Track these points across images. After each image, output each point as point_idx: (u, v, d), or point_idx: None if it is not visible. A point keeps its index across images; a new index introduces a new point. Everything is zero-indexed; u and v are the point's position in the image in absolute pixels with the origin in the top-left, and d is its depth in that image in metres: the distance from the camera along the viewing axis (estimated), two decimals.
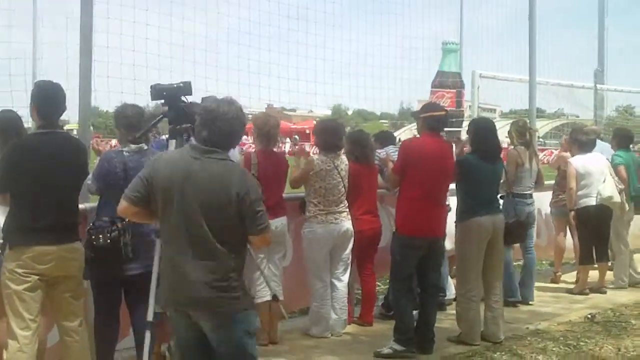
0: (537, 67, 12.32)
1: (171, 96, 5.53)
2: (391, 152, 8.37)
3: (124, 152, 6.02)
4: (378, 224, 8.22)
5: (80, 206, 6.38)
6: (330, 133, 7.94)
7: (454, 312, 7.89)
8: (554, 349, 7.46)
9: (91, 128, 7.14)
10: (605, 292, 10.17)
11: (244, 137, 6.15)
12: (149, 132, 5.84)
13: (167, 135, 6.04)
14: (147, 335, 5.08)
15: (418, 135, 7.59)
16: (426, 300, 7.41)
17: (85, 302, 6.10)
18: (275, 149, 7.80)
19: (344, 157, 7.94)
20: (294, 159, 8.23)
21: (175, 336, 4.83)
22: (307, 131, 48.96)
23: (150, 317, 4.99)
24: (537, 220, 10.79)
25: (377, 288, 8.75)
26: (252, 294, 6.50)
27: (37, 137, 5.44)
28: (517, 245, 9.18)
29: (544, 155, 24.25)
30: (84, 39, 6.81)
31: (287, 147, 42.22)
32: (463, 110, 15.15)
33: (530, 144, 9.22)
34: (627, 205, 10.30)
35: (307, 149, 8.39)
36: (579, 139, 10.06)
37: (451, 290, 8.72)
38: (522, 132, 9.18)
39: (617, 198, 9.82)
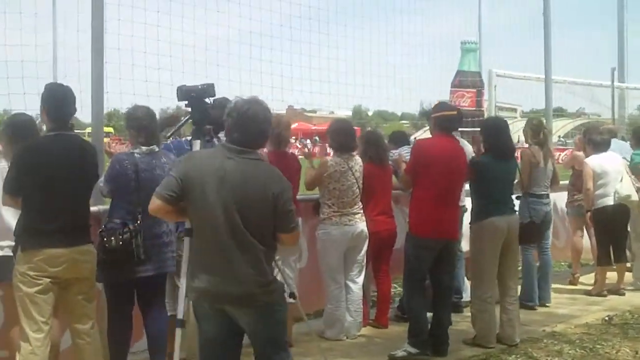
0: (559, 66, 12.21)
1: (196, 98, 5.53)
2: (405, 153, 8.34)
3: (135, 154, 6.02)
4: (393, 225, 8.18)
5: (94, 208, 6.42)
6: (343, 134, 7.91)
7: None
8: (569, 351, 7.39)
9: (111, 131, 7.15)
10: (623, 294, 10.06)
11: None
12: (177, 132, 5.81)
13: (189, 137, 6.04)
14: (178, 333, 5.07)
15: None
16: (440, 302, 7.36)
17: (98, 305, 6.14)
18: (287, 150, 7.78)
19: (358, 158, 7.91)
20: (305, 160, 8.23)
21: (201, 334, 4.82)
22: None
23: (180, 314, 4.99)
24: (555, 221, 10.72)
25: (393, 290, 8.71)
26: None
27: (47, 140, 5.45)
28: None
29: (565, 154, 24.09)
30: (95, 41, 6.86)
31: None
32: (483, 110, 15.05)
33: (545, 143, 9.13)
34: None
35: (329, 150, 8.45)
36: (593, 139, 9.97)
37: (468, 292, 8.63)
38: (537, 131, 9.10)
39: (635, 197, 9.72)
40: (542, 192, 9.05)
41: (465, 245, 8.26)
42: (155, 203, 4.59)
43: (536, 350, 7.44)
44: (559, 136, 33.50)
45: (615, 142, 10.34)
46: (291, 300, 5.34)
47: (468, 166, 7.40)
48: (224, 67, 8.62)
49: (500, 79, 14.09)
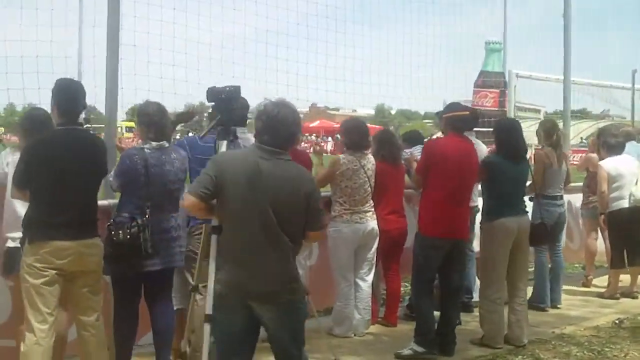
0: (581, 68, 12.15)
1: (225, 99, 5.56)
2: (417, 153, 8.35)
3: (145, 149, 6.07)
4: (404, 223, 8.19)
5: (104, 202, 6.52)
6: (356, 132, 7.93)
7: None
8: (577, 354, 7.38)
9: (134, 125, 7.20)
10: (636, 297, 10.01)
11: None
12: (210, 132, 5.82)
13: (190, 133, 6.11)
14: (207, 327, 5.08)
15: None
16: (448, 302, 7.37)
17: (105, 298, 6.21)
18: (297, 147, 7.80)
19: (370, 157, 7.93)
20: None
21: (222, 328, 4.88)
22: None
23: (209, 310, 4.99)
24: (569, 223, 10.70)
25: (403, 289, 8.72)
26: None
27: (57, 134, 5.49)
28: None
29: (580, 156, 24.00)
30: (111, 37, 6.91)
31: (329, 145, 42.22)
32: (506, 111, 15.03)
33: (558, 145, 9.10)
34: None
35: None
36: (608, 142, 9.91)
37: (478, 292, 8.66)
38: (550, 133, 9.06)
39: None
40: (556, 194, 9.04)
41: (477, 245, 8.27)
42: (189, 199, 4.69)
43: (543, 351, 7.44)
44: (582, 138, 33.23)
45: (631, 145, 10.27)
46: None
47: (480, 166, 7.40)
48: (239, 65, 8.63)
49: (522, 80, 14.09)
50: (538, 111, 27.76)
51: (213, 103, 5.57)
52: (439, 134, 7.79)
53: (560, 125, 10.73)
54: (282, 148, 4.76)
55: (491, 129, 8.38)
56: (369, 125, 8.48)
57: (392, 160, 8.10)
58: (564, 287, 9.89)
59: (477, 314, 7.93)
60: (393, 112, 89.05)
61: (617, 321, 8.68)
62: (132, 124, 34.79)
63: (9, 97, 7.22)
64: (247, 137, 6.62)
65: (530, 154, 9.78)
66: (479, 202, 8.09)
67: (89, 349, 5.63)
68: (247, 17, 8.82)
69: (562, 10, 12.24)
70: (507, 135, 7.61)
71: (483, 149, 8.55)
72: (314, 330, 7.29)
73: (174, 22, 7.71)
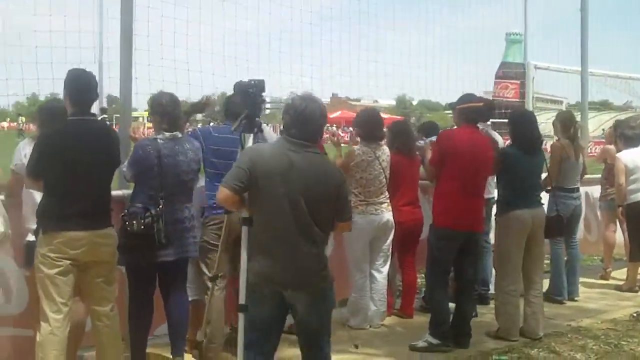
0: (600, 59, 12.06)
1: (253, 93, 5.59)
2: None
3: (158, 140, 6.09)
4: (419, 215, 8.16)
5: (118, 193, 6.57)
6: (371, 123, 7.91)
7: None
8: (593, 347, 7.34)
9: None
10: None
11: None
12: (241, 125, 5.83)
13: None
14: (241, 317, 5.11)
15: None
16: (463, 294, 7.35)
17: (121, 288, 6.25)
18: None
19: (385, 148, 7.91)
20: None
21: (252, 316, 4.96)
22: None
23: (242, 300, 5.05)
24: (587, 215, 10.65)
25: (419, 280, 8.70)
26: None
27: (70, 124, 5.50)
28: None
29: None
30: (124, 28, 6.93)
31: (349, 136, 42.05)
32: (524, 102, 14.95)
33: (576, 137, 9.04)
34: None
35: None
36: (625, 133, 9.82)
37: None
38: (567, 125, 8.99)
39: None
40: (573, 187, 8.99)
41: (493, 237, 8.22)
42: (224, 192, 4.77)
43: (559, 344, 7.40)
44: (603, 129, 33.05)
45: None
46: None
47: (494, 158, 7.36)
48: (253, 56, 8.67)
49: (543, 72, 14.00)
50: (560, 102, 27.59)
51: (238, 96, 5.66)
52: None
53: (579, 117, 10.69)
54: (310, 141, 4.86)
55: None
56: (390, 116, 8.51)
57: (406, 151, 8.07)
58: (582, 279, 9.85)
59: (494, 306, 7.88)
60: (414, 103, 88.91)
61: (634, 314, 8.61)
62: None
63: (39, 87, 7.31)
64: (266, 129, 6.66)
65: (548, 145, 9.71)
66: (496, 193, 8.06)
67: (103, 339, 5.66)
68: (261, 11, 8.83)
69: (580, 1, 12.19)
70: (522, 126, 7.58)
71: (499, 141, 8.51)
72: (333, 321, 7.34)
73: (187, 18, 7.72)
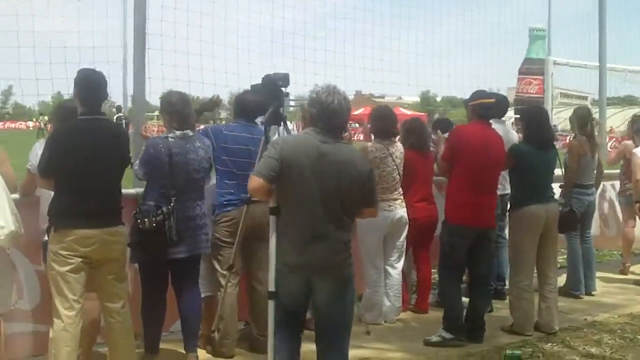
0: (625, 55, 11.98)
1: (280, 86, 5.74)
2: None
3: (169, 138, 6.15)
4: (434, 211, 8.16)
5: (132, 191, 6.65)
6: (384, 120, 7.93)
7: None
8: (609, 341, 7.33)
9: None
10: None
11: None
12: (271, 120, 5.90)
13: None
14: (271, 304, 5.16)
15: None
16: (476, 290, 7.39)
17: (135, 286, 6.34)
18: None
19: (399, 144, 7.92)
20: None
21: (283, 300, 5.03)
22: None
23: (271, 287, 5.09)
24: (606, 210, 10.62)
25: (434, 276, 8.71)
26: None
27: (80, 123, 5.56)
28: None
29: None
30: (138, 27, 7.00)
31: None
32: (543, 98, 14.90)
33: (592, 134, 9.01)
34: None
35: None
36: None
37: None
38: (584, 122, 8.96)
39: None
40: (588, 183, 8.98)
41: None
42: (257, 181, 4.83)
43: (574, 339, 7.40)
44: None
45: None
46: None
47: (507, 154, 7.36)
48: (267, 54, 8.72)
49: (564, 68, 13.95)
50: (585, 98, 27.46)
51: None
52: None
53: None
54: (336, 134, 4.98)
55: None
56: (413, 112, 8.55)
57: (420, 148, 8.09)
58: (601, 274, 9.85)
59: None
60: (438, 99, 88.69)
61: None
62: None
63: (68, 86, 7.39)
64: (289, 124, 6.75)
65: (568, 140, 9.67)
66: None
67: (115, 336, 5.72)
68: (278, 8, 8.88)
69: None
70: (535, 123, 7.56)
71: (514, 137, 8.50)
72: None
73: (201, 12, 7.78)
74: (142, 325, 6.26)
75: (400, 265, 7.96)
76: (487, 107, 7.24)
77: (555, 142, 7.92)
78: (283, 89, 5.71)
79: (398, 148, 7.86)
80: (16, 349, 6.31)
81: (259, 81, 6.54)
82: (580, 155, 8.81)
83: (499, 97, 8.35)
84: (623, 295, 9.40)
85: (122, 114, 26.00)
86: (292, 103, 6.74)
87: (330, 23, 9.79)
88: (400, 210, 7.78)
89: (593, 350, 7.08)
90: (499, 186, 7.67)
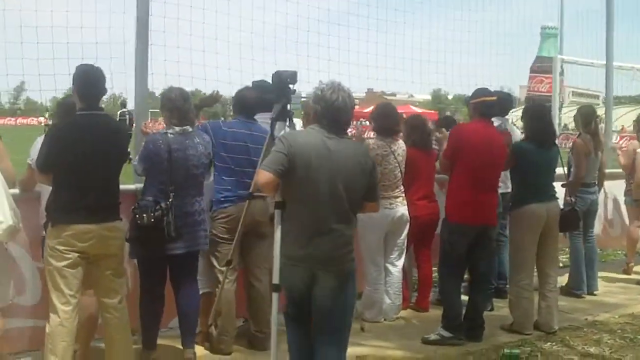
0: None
1: (289, 83, 5.73)
2: None
3: (169, 134, 6.15)
4: (435, 209, 8.14)
5: (131, 187, 6.67)
6: (386, 117, 7.91)
7: None
8: (608, 341, 7.31)
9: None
10: None
11: None
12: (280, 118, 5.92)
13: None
14: (275, 297, 5.27)
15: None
16: (476, 288, 7.38)
17: (134, 281, 6.35)
18: None
19: (401, 142, 7.91)
20: None
21: (292, 292, 5.12)
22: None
23: (275, 280, 5.19)
24: (611, 209, 10.58)
25: (435, 274, 8.71)
26: None
27: (79, 118, 5.57)
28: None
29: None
30: (140, 23, 7.02)
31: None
32: (562, 96, 14.84)
33: (596, 132, 8.98)
34: None
35: None
36: None
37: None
38: (588, 120, 8.94)
39: None
40: (591, 182, 8.96)
41: None
42: (266, 176, 4.86)
43: (574, 338, 7.37)
44: None
45: None
46: None
47: (508, 152, 7.34)
48: (269, 50, 8.73)
49: (577, 66, 13.90)
50: (596, 97, 27.33)
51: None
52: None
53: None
54: (341, 130, 5.05)
55: None
56: (424, 110, 8.54)
57: (422, 145, 8.08)
58: (604, 274, 9.83)
59: None
60: (450, 97, 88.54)
61: None
62: None
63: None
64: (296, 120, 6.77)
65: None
66: None
67: (112, 331, 5.73)
68: (281, 4, 8.88)
69: None
70: (536, 121, 7.54)
71: (517, 135, 8.48)
72: None
73: (203, 8, 7.80)
74: (140, 320, 6.26)
75: (400, 263, 7.95)
76: (488, 105, 7.22)
77: (556, 141, 7.90)
78: (291, 86, 5.70)
79: (400, 146, 7.85)
80: (15, 343, 6.32)
81: (262, 77, 6.57)
82: (585, 154, 8.78)
83: (502, 95, 8.33)
84: (625, 295, 9.36)
85: (126, 110, 26.01)
86: (302, 99, 6.76)
87: (337, 19, 9.73)
88: (402, 208, 7.78)
89: (592, 349, 7.05)
90: (501, 184, 7.68)
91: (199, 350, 6.58)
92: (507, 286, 8.47)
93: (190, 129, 6.27)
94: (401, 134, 8.08)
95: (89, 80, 5.55)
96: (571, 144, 9.24)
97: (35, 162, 5.59)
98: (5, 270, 5.75)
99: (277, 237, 5.12)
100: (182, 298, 6.37)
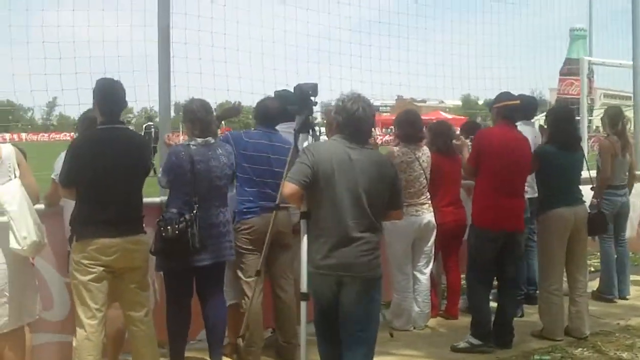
0: None
1: (310, 95, 5.78)
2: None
3: (191, 146, 6.17)
4: (462, 215, 8.10)
5: (156, 199, 6.69)
6: (410, 124, 7.88)
7: None
8: None
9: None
10: None
11: None
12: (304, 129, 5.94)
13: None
14: (303, 305, 5.29)
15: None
16: (504, 294, 7.29)
17: (161, 294, 6.36)
18: None
19: (425, 149, 7.87)
20: None
21: (320, 301, 5.16)
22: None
23: (304, 288, 5.21)
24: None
25: (464, 281, 8.64)
26: None
27: (100, 132, 5.60)
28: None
29: None
30: (162, 35, 7.03)
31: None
32: (593, 98, 14.68)
33: (623, 133, 8.87)
34: None
35: None
36: None
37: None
38: (615, 121, 8.83)
39: None
40: (619, 184, 8.83)
41: None
42: (291, 188, 4.96)
43: (606, 344, 7.27)
44: None
45: None
46: None
47: (533, 156, 7.28)
48: (292, 60, 8.72)
49: (608, 68, 13.76)
50: (628, 98, 27.03)
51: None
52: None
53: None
54: (363, 140, 5.10)
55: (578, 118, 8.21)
56: (454, 116, 8.51)
57: (447, 151, 8.02)
58: (635, 278, 9.66)
59: None
60: (480, 102, 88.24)
61: None
62: None
63: None
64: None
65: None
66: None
67: (138, 345, 5.75)
68: (306, 14, 8.88)
69: None
70: (561, 124, 7.45)
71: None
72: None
73: (224, 18, 7.81)
74: (167, 333, 6.27)
75: (428, 270, 7.91)
76: (511, 108, 7.16)
77: (585, 144, 7.81)
78: (312, 98, 5.73)
79: (425, 152, 7.81)
80: (42, 359, 6.35)
81: (284, 87, 6.56)
82: (612, 155, 8.68)
83: (526, 99, 8.27)
84: None
85: (151, 123, 26.19)
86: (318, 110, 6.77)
87: (359, 27, 9.74)
88: (428, 215, 7.74)
89: (624, 355, 6.96)
90: (528, 189, 7.61)
91: None
92: (537, 292, 8.40)
93: (213, 140, 6.28)
94: (425, 141, 8.04)
95: (108, 94, 5.59)
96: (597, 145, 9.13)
97: (59, 177, 5.63)
98: (32, 286, 5.77)
99: (304, 246, 5.15)
100: (209, 310, 6.37)
